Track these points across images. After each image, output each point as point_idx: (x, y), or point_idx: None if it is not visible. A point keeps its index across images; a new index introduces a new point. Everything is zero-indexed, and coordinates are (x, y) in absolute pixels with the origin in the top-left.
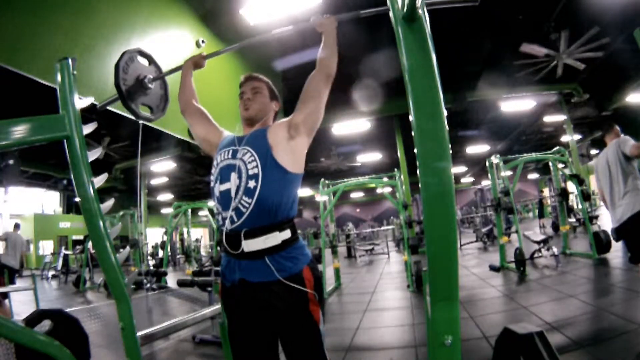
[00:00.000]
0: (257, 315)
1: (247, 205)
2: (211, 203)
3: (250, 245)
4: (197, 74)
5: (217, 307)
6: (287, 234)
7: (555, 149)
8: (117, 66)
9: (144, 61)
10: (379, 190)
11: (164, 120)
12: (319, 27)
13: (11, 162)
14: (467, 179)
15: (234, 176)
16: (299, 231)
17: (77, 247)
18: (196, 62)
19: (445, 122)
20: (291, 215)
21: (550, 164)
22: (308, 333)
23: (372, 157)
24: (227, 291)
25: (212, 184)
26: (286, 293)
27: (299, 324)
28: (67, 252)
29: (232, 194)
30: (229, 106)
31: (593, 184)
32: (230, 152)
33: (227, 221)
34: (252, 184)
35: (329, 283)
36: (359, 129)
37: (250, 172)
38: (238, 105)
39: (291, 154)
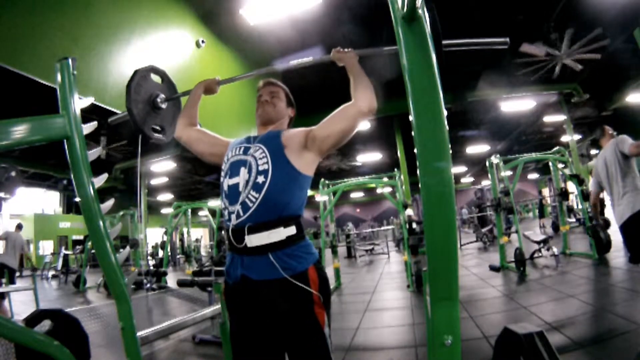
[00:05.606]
0: (259, 315)
1: (254, 200)
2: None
3: (253, 240)
4: (197, 75)
5: (217, 307)
6: (292, 230)
7: (555, 149)
8: (128, 87)
9: (156, 78)
10: (379, 190)
11: None
12: (338, 60)
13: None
14: (467, 179)
15: (243, 171)
16: None
17: (77, 247)
18: (208, 86)
19: (445, 122)
20: (298, 213)
21: (550, 164)
22: (312, 337)
23: (372, 157)
24: (229, 289)
25: (221, 179)
26: (290, 293)
27: (302, 327)
28: (67, 252)
29: (241, 188)
30: (229, 106)
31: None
32: (242, 148)
33: (233, 215)
34: (261, 179)
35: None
36: (359, 129)
37: (260, 168)
38: (238, 106)
39: (302, 158)
